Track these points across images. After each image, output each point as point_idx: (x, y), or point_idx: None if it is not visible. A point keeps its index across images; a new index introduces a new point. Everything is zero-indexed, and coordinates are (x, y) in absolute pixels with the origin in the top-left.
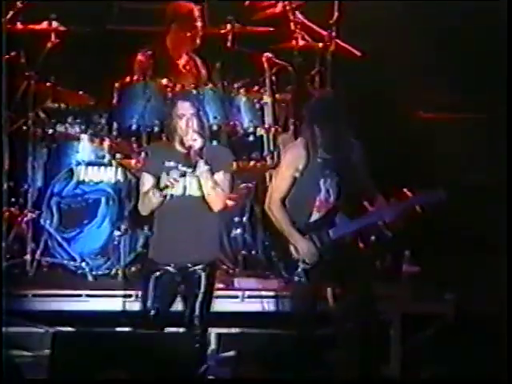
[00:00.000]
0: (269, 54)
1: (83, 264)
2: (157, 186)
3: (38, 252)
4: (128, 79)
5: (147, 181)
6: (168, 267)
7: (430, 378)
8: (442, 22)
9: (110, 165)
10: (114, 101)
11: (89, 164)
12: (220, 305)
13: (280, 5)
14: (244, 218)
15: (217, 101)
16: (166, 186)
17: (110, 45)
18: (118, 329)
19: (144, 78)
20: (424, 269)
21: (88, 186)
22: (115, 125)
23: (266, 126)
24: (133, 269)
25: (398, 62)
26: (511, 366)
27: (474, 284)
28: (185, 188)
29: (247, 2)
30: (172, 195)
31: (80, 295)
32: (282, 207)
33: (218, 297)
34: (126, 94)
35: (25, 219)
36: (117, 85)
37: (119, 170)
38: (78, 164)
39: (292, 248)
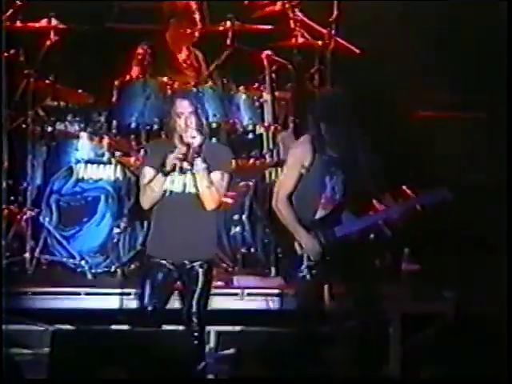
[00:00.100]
0: (268, 52)
1: (82, 262)
2: (161, 168)
3: (38, 250)
4: (127, 77)
5: (148, 173)
6: (166, 263)
7: (430, 377)
8: (441, 22)
9: (110, 163)
10: (114, 99)
11: (88, 162)
12: (219, 303)
13: (279, 3)
14: (243, 216)
15: (216, 99)
16: (173, 168)
17: (110, 43)
18: (118, 327)
19: (144, 76)
20: (424, 268)
21: (87, 184)
22: (114, 123)
23: (266, 123)
24: (132, 267)
25: (398, 61)
26: (511, 366)
27: (473, 284)
28: (185, 185)
29: (247, 1)
30: (171, 192)
31: (79, 293)
32: (289, 204)
33: (217, 295)
34: (125, 91)
35: (24, 217)
36: (116, 83)
37: (118, 167)
38: (78, 162)
39: (296, 244)
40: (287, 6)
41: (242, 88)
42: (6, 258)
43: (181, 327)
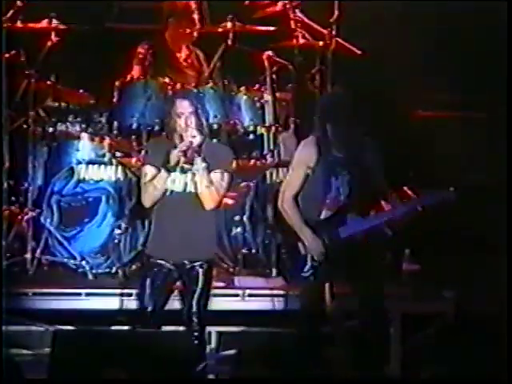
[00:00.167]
0: (269, 53)
1: (83, 262)
2: (165, 164)
3: (39, 250)
4: (128, 78)
5: (150, 171)
6: (166, 263)
7: (430, 377)
8: (442, 22)
9: (111, 163)
10: (115, 99)
11: (89, 162)
12: (220, 303)
13: (280, 3)
14: (244, 217)
15: (217, 99)
16: (177, 163)
17: (110, 43)
18: (118, 327)
19: (144, 77)
20: (424, 268)
21: (88, 185)
22: (115, 123)
23: (267, 124)
24: (133, 267)
25: (399, 61)
26: (511, 366)
27: (474, 284)
28: (186, 184)
29: (247, 1)
30: (172, 191)
31: (80, 294)
32: (295, 204)
33: (218, 295)
34: (126, 92)
35: (25, 218)
36: (117, 83)
37: (119, 168)
38: (79, 162)
39: (300, 245)
40: (288, 6)
41: (242, 89)
42: (6, 259)
43: (181, 328)
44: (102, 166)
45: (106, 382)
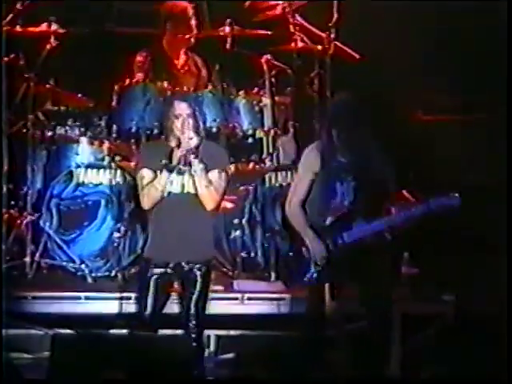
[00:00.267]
0: (268, 57)
1: (83, 266)
2: (167, 164)
3: (38, 254)
4: (127, 81)
5: (147, 174)
6: (164, 266)
7: (430, 378)
8: (442, 22)
9: (110, 167)
10: (114, 103)
11: (88, 166)
12: (219, 307)
13: (279, 7)
14: (243, 220)
15: (216, 103)
16: (179, 162)
17: (110, 47)
18: (117, 331)
19: (144, 80)
20: (424, 269)
21: (87, 188)
22: (115, 127)
23: (266, 128)
24: (132, 271)
25: (398, 63)
26: (511, 365)
27: (473, 284)
28: (183, 186)
29: (247, 3)
30: (170, 193)
31: (79, 297)
32: (301, 210)
33: (217, 299)
34: (125, 96)
35: (24, 221)
36: (116, 87)
37: (118, 172)
38: (78, 166)
39: (304, 249)
40: (287, 10)
41: (241, 92)
42: (6, 262)
43: (180, 331)
44: (101, 170)
45: None
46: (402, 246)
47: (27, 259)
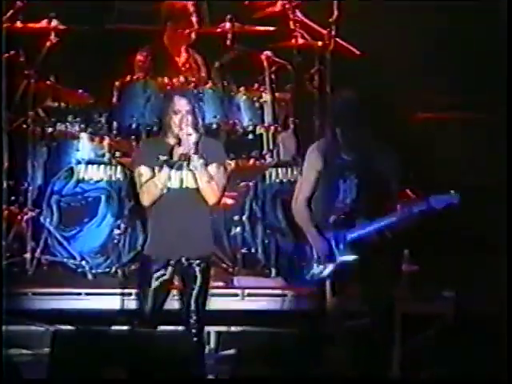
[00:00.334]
0: (268, 53)
1: (83, 262)
2: (167, 161)
3: (38, 250)
4: (128, 78)
5: (145, 171)
6: (163, 263)
7: (430, 378)
8: (442, 22)
9: (110, 163)
10: (114, 99)
11: (89, 162)
12: (220, 303)
13: (279, 3)
14: (243, 217)
15: (216, 100)
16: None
17: (110, 43)
18: (118, 327)
19: (144, 77)
20: (424, 269)
21: (88, 185)
22: (115, 123)
23: (266, 124)
24: (132, 267)
25: (398, 61)
26: (511, 365)
27: (473, 284)
28: (182, 181)
29: (247, 1)
30: (169, 188)
31: (80, 294)
32: (307, 208)
33: (217, 295)
34: (125, 92)
35: (25, 218)
36: (117, 83)
37: (119, 168)
38: (78, 162)
39: (307, 248)
40: (287, 6)
41: (242, 89)
42: (6, 259)
43: (180, 327)
44: (102, 166)
45: (106, 381)
46: (403, 244)
47: (27, 256)
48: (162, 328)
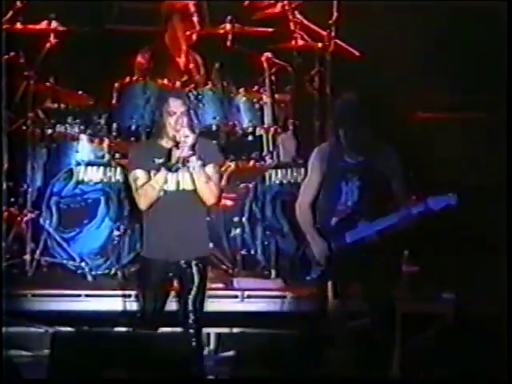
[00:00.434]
0: (268, 54)
1: (83, 264)
2: (165, 163)
3: (38, 252)
4: (127, 79)
5: (141, 175)
6: (162, 264)
7: (430, 378)
8: (441, 22)
9: (110, 165)
10: (114, 101)
11: (88, 164)
12: (219, 304)
13: (279, 5)
14: (243, 218)
15: (216, 101)
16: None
17: (110, 45)
18: (118, 329)
19: (144, 78)
20: (424, 269)
21: (87, 186)
22: (115, 125)
23: (266, 125)
24: (132, 269)
25: (398, 62)
26: (511, 365)
27: (473, 284)
28: (178, 183)
29: (246, 2)
30: (165, 191)
31: (79, 295)
32: (310, 210)
33: (217, 296)
34: (125, 94)
35: (24, 219)
36: (116, 85)
37: (118, 170)
38: (78, 164)
39: (307, 249)
40: (287, 8)
41: (241, 90)
42: (6, 260)
43: (179, 329)
44: (101, 168)
45: (105, 383)
46: (403, 244)
47: (27, 257)
48: (161, 330)
